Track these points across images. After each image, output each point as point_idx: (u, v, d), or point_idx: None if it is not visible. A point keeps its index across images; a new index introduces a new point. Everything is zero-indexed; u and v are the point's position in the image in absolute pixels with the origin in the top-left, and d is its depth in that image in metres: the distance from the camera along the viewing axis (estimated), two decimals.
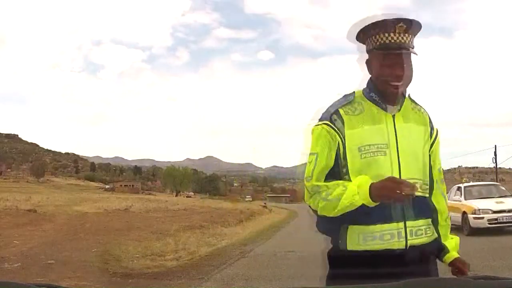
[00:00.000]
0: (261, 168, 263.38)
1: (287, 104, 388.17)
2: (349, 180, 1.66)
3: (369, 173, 1.65)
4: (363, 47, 1.76)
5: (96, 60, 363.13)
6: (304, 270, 6.50)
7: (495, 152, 40.61)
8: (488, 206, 11.23)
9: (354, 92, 1.78)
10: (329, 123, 1.70)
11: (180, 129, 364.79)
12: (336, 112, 1.71)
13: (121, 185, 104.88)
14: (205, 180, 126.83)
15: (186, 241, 9.64)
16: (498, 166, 42.94)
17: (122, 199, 33.68)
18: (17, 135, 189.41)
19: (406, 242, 1.67)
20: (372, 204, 1.59)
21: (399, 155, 1.69)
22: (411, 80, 1.72)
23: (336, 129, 1.69)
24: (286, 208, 39.40)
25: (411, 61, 1.70)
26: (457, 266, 1.77)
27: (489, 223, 10.92)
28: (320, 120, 1.74)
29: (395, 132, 1.71)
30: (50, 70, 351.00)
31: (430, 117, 1.83)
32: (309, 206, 1.75)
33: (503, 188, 13.35)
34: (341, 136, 1.69)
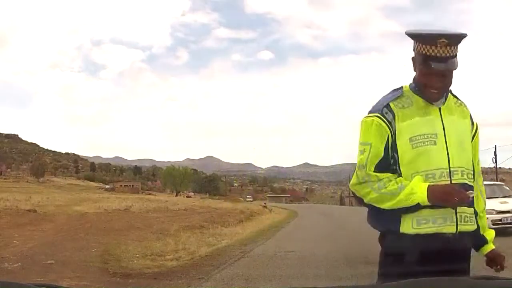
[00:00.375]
0: (261, 168, 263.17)
1: (287, 104, 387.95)
2: (398, 171, 1.81)
3: (420, 162, 1.79)
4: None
5: (96, 60, 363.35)
6: (304, 270, 6.50)
7: (495, 152, 40.62)
8: (492, 207, 11.01)
9: (402, 86, 1.91)
10: (380, 115, 1.82)
11: (180, 129, 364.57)
12: (387, 105, 1.84)
13: (121, 185, 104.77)
14: (205, 180, 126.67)
15: (186, 241, 9.64)
16: (498, 166, 42.93)
17: (122, 199, 33.65)
18: (17, 135, 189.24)
19: (457, 227, 1.80)
20: (426, 204, 1.73)
21: (447, 145, 1.81)
22: (450, 85, 1.85)
23: (387, 121, 1.81)
24: (286, 208, 39.39)
25: (450, 71, 1.80)
26: (493, 258, 1.90)
27: (493, 224, 10.68)
28: (370, 112, 1.86)
29: (442, 123, 1.83)
30: (50, 70, 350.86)
31: (471, 112, 1.97)
32: (353, 192, 1.88)
33: (507, 188, 13.18)
34: (392, 129, 1.81)
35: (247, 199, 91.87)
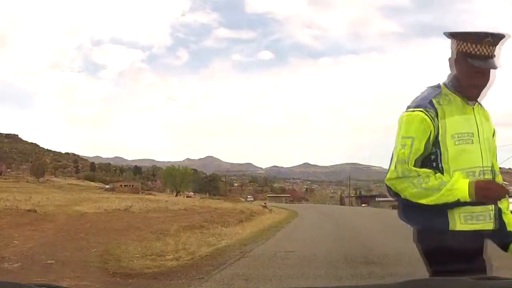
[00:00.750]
0: (261, 168, 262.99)
1: (287, 104, 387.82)
2: (440, 167, 1.82)
3: (461, 159, 1.82)
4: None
5: (96, 60, 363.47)
6: (304, 270, 6.50)
7: None
8: None
9: (439, 84, 1.94)
10: (424, 110, 1.83)
11: (180, 129, 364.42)
12: (430, 101, 1.85)
13: (121, 185, 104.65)
14: (205, 180, 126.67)
15: (186, 241, 9.64)
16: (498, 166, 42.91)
17: (122, 199, 33.64)
18: (17, 135, 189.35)
19: (495, 223, 1.86)
20: (468, 200, 1.75)
21: (481, 144, 1.86)
22: (488, 85, 1.89)
23: (431, 117, 1.82)
24: (286, 208, 39.36)
25: (490, 71, 1.85)
26: None
27: None
28: (413, 107, 1.86)
29: (476, 122, 1.88)
30: (50, 70, 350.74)
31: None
32: (389, 186, 1.85)
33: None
34: (435, 124, 1.82)
35: (248, 199, 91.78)
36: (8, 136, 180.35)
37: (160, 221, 15.49)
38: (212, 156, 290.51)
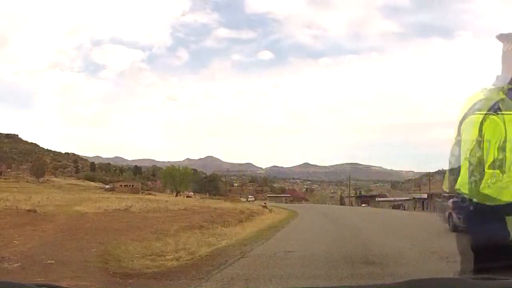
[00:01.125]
0: (261, 168, 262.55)
1: (287, 104, 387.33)
2: (502, 173, 1.78)
3: None
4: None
5: (96, 60, 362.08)
6: (304, 270, 6.50)
7: None
8: None
9: (497, 87, 1.92)
10: (495, 114, 1.81)
11: (180, 129, 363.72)
12: (498, 106, 1.83)
13: (121, 185, 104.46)
14: (205, 180, 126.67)
15: (186, 241, 9.64)
16: None
17: (122, 199, 33.59)
18: (17, 135, 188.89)
19: None
20: None
21: None
22: None
23: (502, 121, 1.81)
24: (286, 208, 39.37)
25: None
26: None
27: None
28: (485, 110, 1.83)
29: None
30: (50, 70, 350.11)
31: None
32: (461, 192, 1.82)
33: None
34: (504, 129, 1.81)
35: (249, 199, 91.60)
36: (8, 136, 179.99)
37: (160, 221, 15.49)
38: (212, 156, 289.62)
